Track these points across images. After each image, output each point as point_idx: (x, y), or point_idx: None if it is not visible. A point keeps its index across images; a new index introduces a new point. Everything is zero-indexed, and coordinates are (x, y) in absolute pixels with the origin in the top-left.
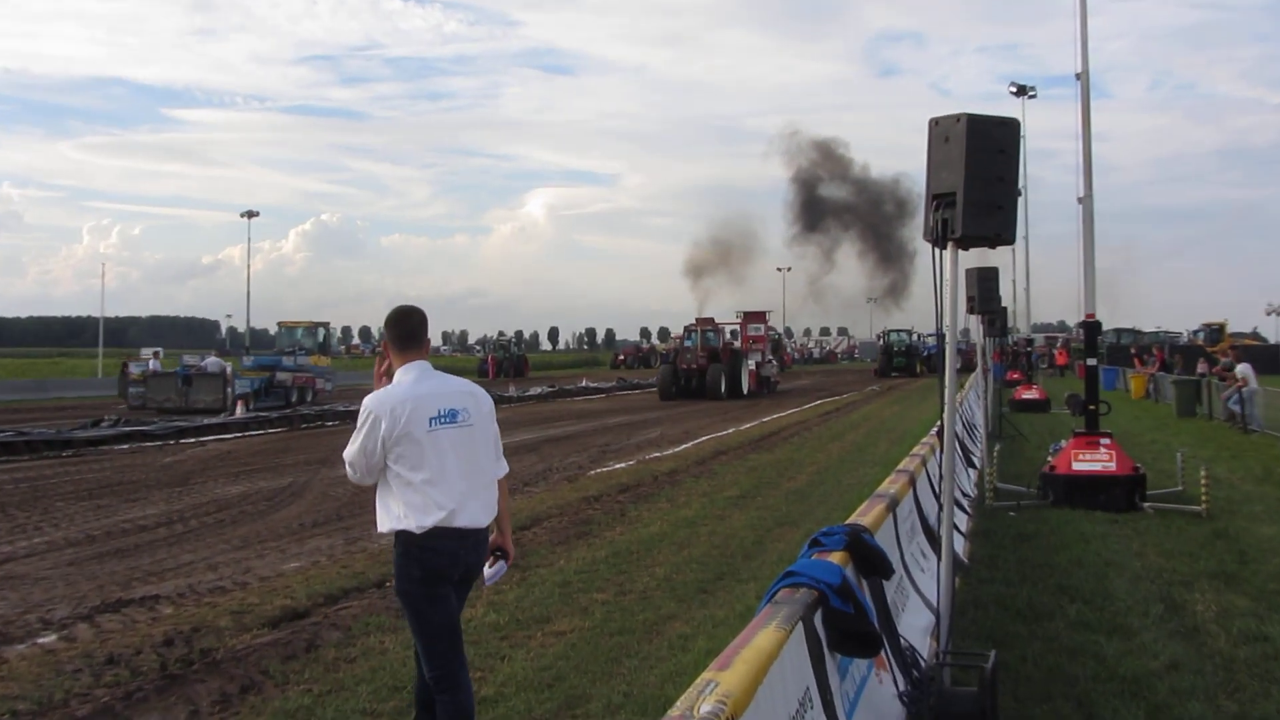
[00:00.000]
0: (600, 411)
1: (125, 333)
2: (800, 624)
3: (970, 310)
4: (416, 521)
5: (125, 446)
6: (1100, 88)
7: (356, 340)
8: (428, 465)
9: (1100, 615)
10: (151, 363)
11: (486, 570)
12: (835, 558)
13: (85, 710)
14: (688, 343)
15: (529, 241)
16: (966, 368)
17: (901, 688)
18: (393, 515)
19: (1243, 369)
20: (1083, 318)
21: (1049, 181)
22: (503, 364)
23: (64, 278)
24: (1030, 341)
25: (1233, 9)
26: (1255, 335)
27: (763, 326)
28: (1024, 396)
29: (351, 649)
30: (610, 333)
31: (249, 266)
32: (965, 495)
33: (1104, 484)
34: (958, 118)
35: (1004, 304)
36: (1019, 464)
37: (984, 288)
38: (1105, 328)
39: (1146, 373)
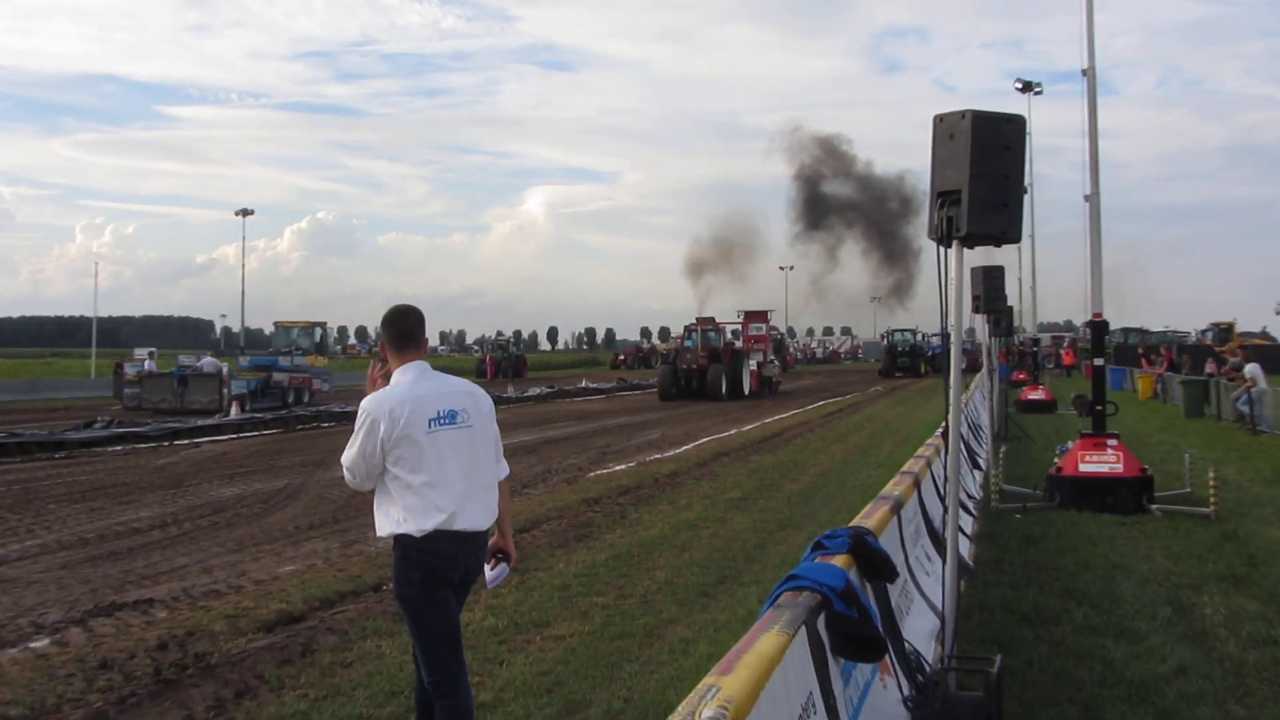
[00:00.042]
0: (600, 412)
1: (118, 332)
2: (803, 628)
3: (975, 309)
4: (416, 525)
5: (118, 448)
6: (1107, 84)
7: (353, 340)
8: (427, 467)
9: (1107, 619)
10: (147, 363)
11: (488, 573)
12: (839, 561)
13: (78, 716)
14: (688, 342)
15: (528, 240)
16: (972, 368)
17: (906, 693)
18: (392, 519)
19: (1251, 369)
20: (1089, 317)
21: (1055, 179)
22: (501, 364)
23: (57, 277)
24: (1036, 341)
25: (1240, 3)
26: (1264, 335)
27: (764, 326)
28: (1030, 397)
29: (348, 653)
30: (610, 332)
31: (244, 265)
32: (970, 497)
33: (1111, 486)
34: (963, 114)
35: (1010, 303)
36: (1025, 465)
37: (989, 286)
38: (1112, 327)
39: (1154, 373)
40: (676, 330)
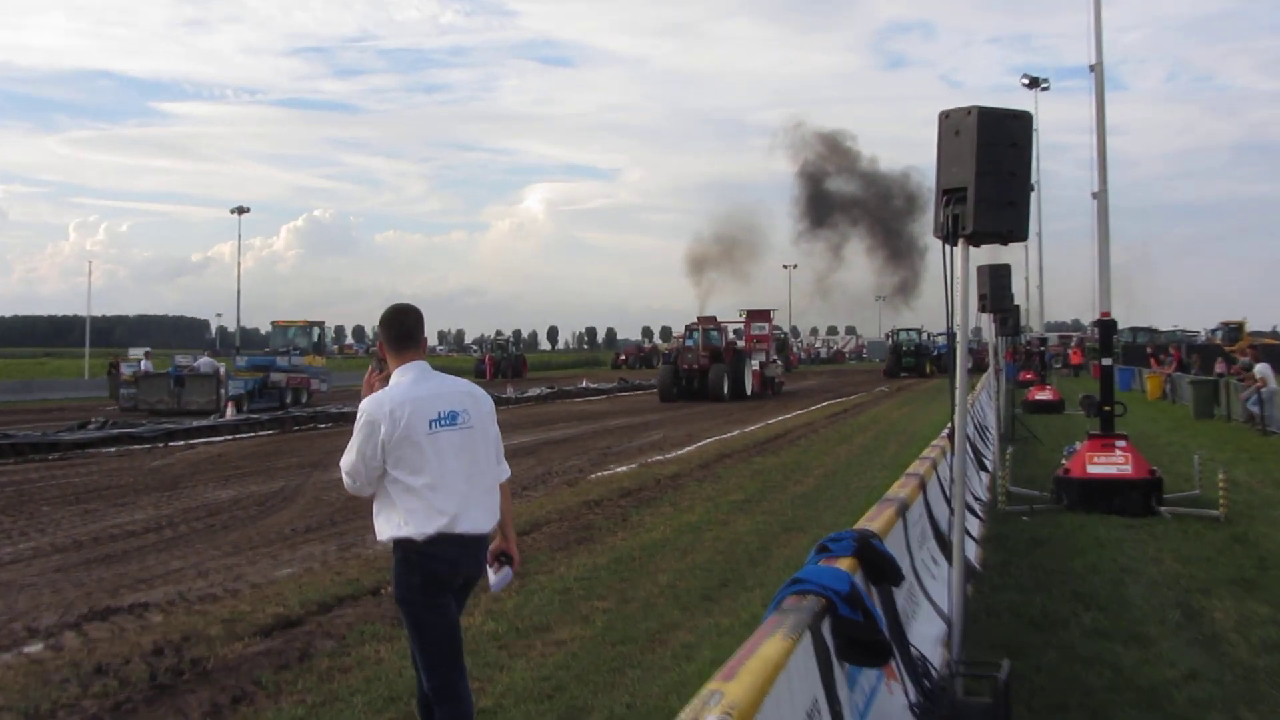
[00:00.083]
0: (601, 413)
1: (112, 332)
2: (808, 633)
3: (982, 309)
4: (418, 529)
5: (113, 449)
6: (1115, 80)
7: (350, 340)
8: (428, 469)
9: (1116, 623)
10: (143, 363)
11: (492, 577)
12: (843, 564)
13: None
14: (689, 342)
15: (527, 238)
16: (978, 368)
17: (912, 698)
18: (393, 524)
19: (1262, 369)
20: (1097, 316)
21: (1063, 176)
22: (500, 364)
23: (50, 276)
24: (1044, 341)
25: None
26: (1275, 334)
27: (767, 325)
28: (1037, 397)
29: (346, 658)
30: (611, 332)
31: (239, 264)
32: (977, 499)
33: (1120, 488)
34: (969, 110)
35: (1017, 302)
36: (1032, 467)
37: (996, 285)
38: (1121, 326)
39: (1163, 373)
40: (678, 329)
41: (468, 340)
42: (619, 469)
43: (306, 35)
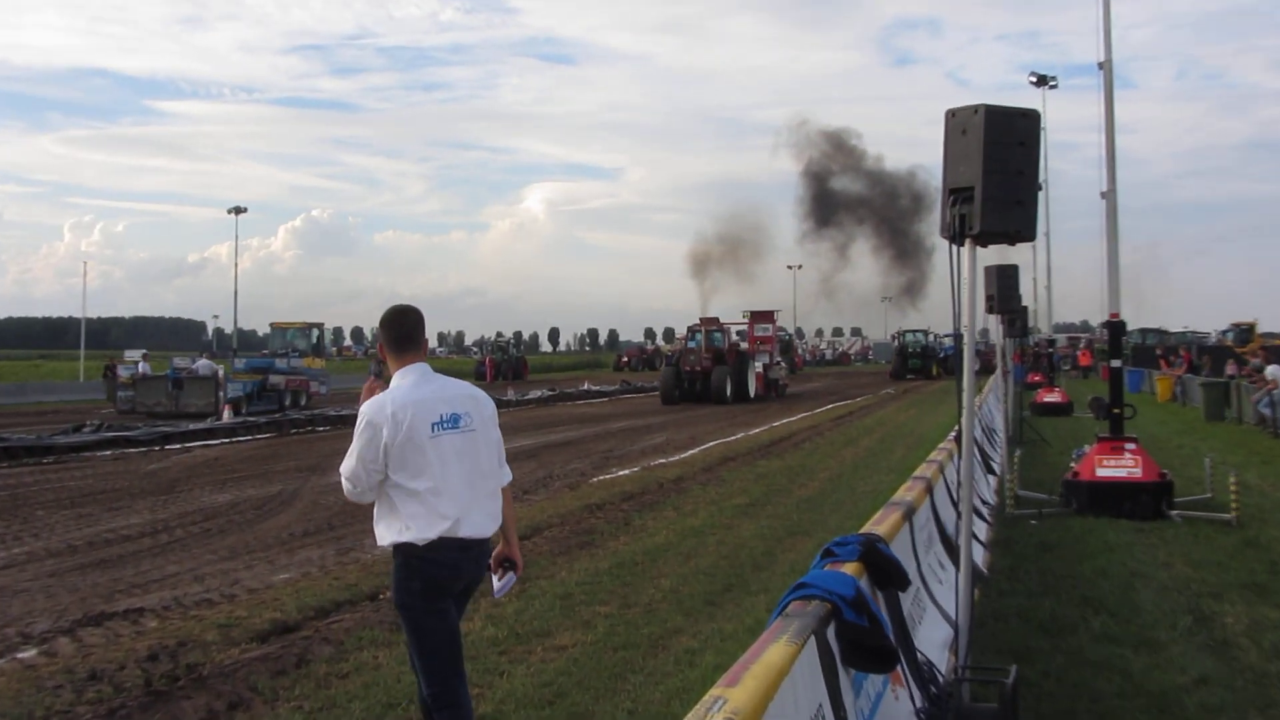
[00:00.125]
0: (603, 416)
1: (108, 334)
2: (812, 638)
3: (989, 310)
4: (419, 534)
5: (108, 453)
6: (1124, 78)
7: (349, 341)
8: (430, 473)
9: (1126, 628)
10: (141, 365)
11: (496, 583)
12: (849, 569)
13: None
14: (691, 343)
15: (528, 238)
16: (985, 370)
17: (919, 704)
18: (394, 529)
19: (1273, 370)
20: (1106, 317)
21: (1071, 176)
22: (501, 366)
23: (44, 277)
24: (1052, 342)
25: None
26: None
27: (771, 326)
28: (1046, 400)
29: (344, 664)
30: (613, 333)
31: (236, 265)
32: (985, 503)
33: (1129, 491)
34: (976, 109)
35: (1024, 303)
36: (1041, 470)
37: (1003, 286)
38: (1130, 328)
39: (1173, 375)
40: (682, 331)
41: (468, 342)
42: (621, 472)
43: (304, 33)
